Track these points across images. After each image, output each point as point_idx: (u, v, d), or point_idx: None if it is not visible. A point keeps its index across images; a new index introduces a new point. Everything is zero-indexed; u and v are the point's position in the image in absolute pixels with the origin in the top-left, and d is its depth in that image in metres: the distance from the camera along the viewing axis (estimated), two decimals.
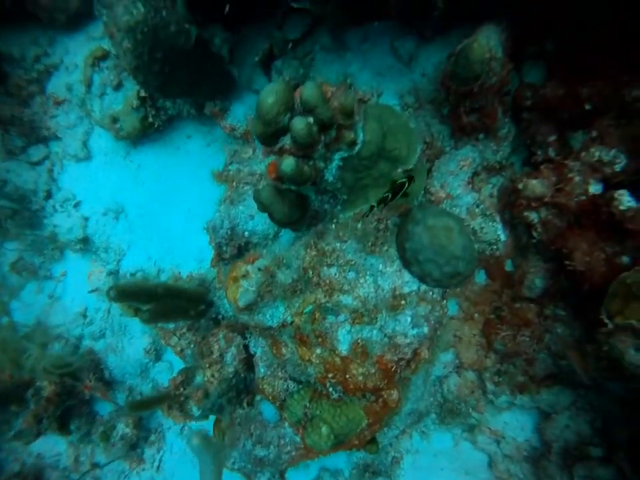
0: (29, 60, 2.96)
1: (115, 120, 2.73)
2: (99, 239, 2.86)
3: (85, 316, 2.92)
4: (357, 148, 1.58)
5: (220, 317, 2.36)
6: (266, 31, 2.40)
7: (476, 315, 2.11)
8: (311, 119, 1.35)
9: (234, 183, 2.10)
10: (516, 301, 2.01)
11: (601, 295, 1.52)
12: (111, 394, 2.72)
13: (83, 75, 2.78)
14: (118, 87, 2.76)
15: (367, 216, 1.62)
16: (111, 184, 2.91)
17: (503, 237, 1.70)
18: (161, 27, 1.99)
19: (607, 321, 1.45)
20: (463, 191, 1.87)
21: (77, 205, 2.94)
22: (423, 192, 1.88)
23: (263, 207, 1.65)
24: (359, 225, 1.75)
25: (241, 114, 2.57)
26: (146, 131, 2.79)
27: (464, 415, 2.22)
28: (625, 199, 1.40)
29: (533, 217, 1.71)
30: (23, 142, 2.97)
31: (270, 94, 1.29)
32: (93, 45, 3.01)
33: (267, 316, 1.78)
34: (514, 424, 2.13)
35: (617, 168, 1.53)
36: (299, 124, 1.31)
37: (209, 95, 2.47)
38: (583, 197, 1.55)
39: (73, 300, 2.95)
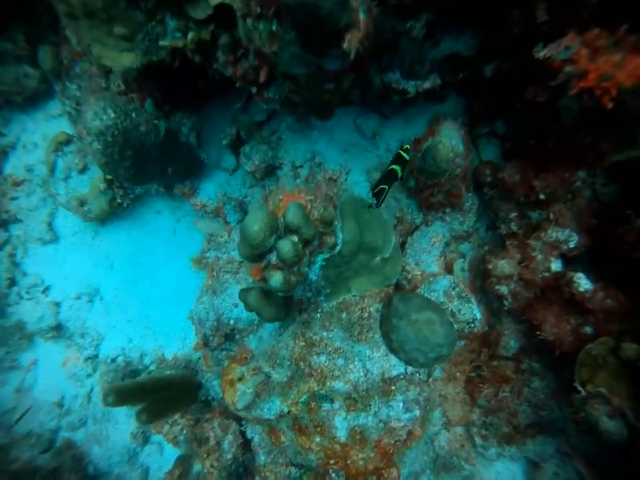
0: None
1: (82, 203, 2.69)
2: (74, 325, 2.77)
3: (60, 405, 2.79)
4: (337, 248, 1.66)
5: (210, 398, 2.36)
6: (231, 112, 2.46)
7: (457, 374, 2.23)
8: (295, 238, 1.42)
9: (214, 272, 2.13)
10: (493, 359, 2.14)
11: (572, 357, 1.67)
12: None
13: (45, 159, 2.72)
14: (83, 170, 2.72)
15: (383, 201, 1.66)
16: (81, 266, 2.84)
17: (478, 316, 1.83)
18: (131, 129, 2.01)
19: (580, 388, 1.59)
20: (436, 268, 2.00)
21: (45, 290, 2.84)
22: (400, 271, 1.98)
23: (250, 309, 1.70)
24: (344, 315, 1.83)
25: (211, 191, 2.61)
26: (114, 211, 2.76)
27: (457, 467, 2.31)
28: (582, 282, 1.57)
29: (503, 289, 1.86)
30: None
31: (255, 221, 1.35)
32: (51, 123, 2.99)
33: (265, 410, 1.81)
34: (505, 474, 2.25)
35: (572, 244, 1.70)
36: (286, 246, 1.38)
37: (178, 178, 2.49)
38: (547, 274, 1.71)
39: (45, 390, 2.82)
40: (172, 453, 2.59)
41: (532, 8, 1.38)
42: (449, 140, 1.71)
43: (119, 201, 2.70)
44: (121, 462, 2.68)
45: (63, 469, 2.47)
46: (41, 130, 2.98)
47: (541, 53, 1.21)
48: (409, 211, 2.19)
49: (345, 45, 1.02)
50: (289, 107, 1.69)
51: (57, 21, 2.48)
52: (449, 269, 2.07)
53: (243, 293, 1.69)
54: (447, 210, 2.09)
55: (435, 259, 2.05)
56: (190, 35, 1.46)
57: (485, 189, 2.03)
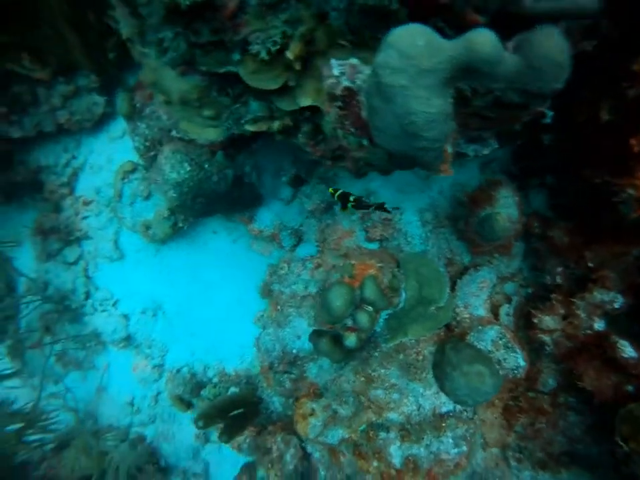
0: (60, 166, 3.14)
1: (147, 227, 2.92)
2: (141, 336, 3.08)
3: (132, 405, 3.14)
4: (400, 305, 1.85)
5: (269, 411, 2.64)
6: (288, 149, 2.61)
7: (496, 401, 2.43)
8: (370, 309, 1.61)
9: (278, 306, 2.35)
10: (530, 391, 2.33)
11: (611, 407, 1.83)
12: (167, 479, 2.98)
13: (114, 186, 2.95)
14: (147, 197, 2.94)
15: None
16: (145, 282, 3.11)
17: (522, 364, 2.01)
18: (204, 179, 2.20)
19: (621, 443, 1.76)
20: (483, 311, 2.17)
21: (115, 304, 3.14)
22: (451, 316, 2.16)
23: (319, 353, 1.92)
24: (401, 356, 2.04)
25: (267, 219, 2.80)
26: (175, 233, 2.99)
27: None
28: (627, 350, 1.72)
29: (546, 338, 2.02)
30: (59, 245, 3.13)
31: (337, 297, 1.55)
32: (114, 145, 3.20)
33: (329, 437, 2.07)
34: None
35: (616, 305, 1.84)
36: (364, 318, 1.58)
37: (239, 211, 2.69)
38: (589, 331, 1.86)
39: (119, 390, 3.17)
40: (229, 451, 2.91)
41: (596, 106, 1.48)
42: (506, 210, 1.84)
43: (180, 225, 2.92)
44: (186, 458, 3.03)
45: (144, 460, 2.83)
46: (105, 152, 3.20)
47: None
48: (458, 252, 2.35)
49: (441, 170, 1.16)
50: (357, 171, 1.84)
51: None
52: (494, 312, 2.24)
53: (314, 338, 1.91)
54: (495, 255, 2.24)
55: (482, 302, 2.21)
56: (276, 124, 1.61)
57: (533, 239, 2.17)
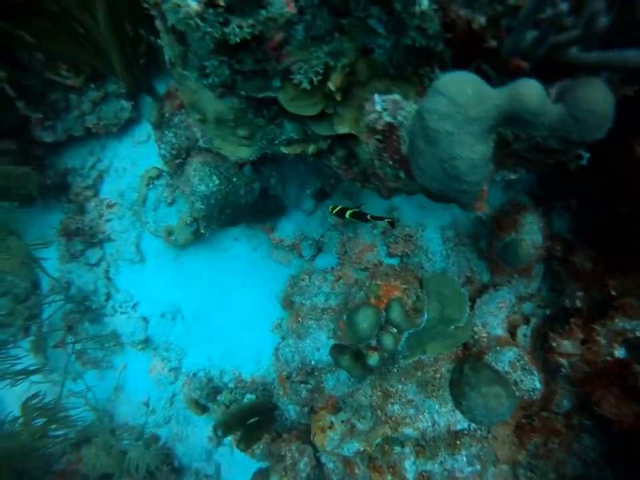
0: (87, 168, 3.20)
1: (169, 233, 2.97)
2: (159, 339, 3.14)
3: (147, 405, 3.21)
4: (422, 325, 1.89)
5: (284, 418, 2.69)
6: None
7: (509, 419, 2.46)
8: (395, 330, 1.65)
9: (299, 318, 2.39)
10: (544, 411, 2.36)
11: (632, 434, 1.85)
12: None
13: (138, 192, 3.01)
14: (171, 203, 2.99)
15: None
16: (164, 286, 3.17)
17: (539, 386, 2.04)
18: (232, 193, 2.25)
19: None
20: (501, 331, 2.20)
21: (135, 306, 3.20)
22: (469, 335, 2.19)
23: (339, 367, 1.97)
24: (419, 373, 2.07)
25: (289, 229, 2.84)
26: (196, 239, 3.04)
27: None
28: None
29: (563, 362, 2.05)
30: (83, 246, 3.20)
31: (365, 320, 1.59)
32: (138, 149, 3.26)
33: (344, 449, 2.11)
34: None
35: (638, 334, 1.86)
36: (388, 340, 1.61)
37: (262, 221, 2.73)
38: (609, 358, 1.89)
39: (135, 390, 3.24)
40: (241, 454, 2.97)
41: (631, 140, 1.50)
42: (531, 236, 1.87)
43: (202, 231, 2.98)
44: (199, 459, 3.10)
45: (159, 460, 2.90)
46: (130, 156, 3.26)
47: None
48: (478, 270, 2.37)
49: (477, 208, 1.20)
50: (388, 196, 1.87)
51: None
52: (512, 332, 2.27)
53: (335, 353, 1.96)
54: (515, 276, 2.26)
55: (500, 321, 2.24)
56: (311, 148, 1.65)
57: (554, 261, 2.19)
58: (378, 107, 1.20)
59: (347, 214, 1.92)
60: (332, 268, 2.62)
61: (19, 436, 2.61)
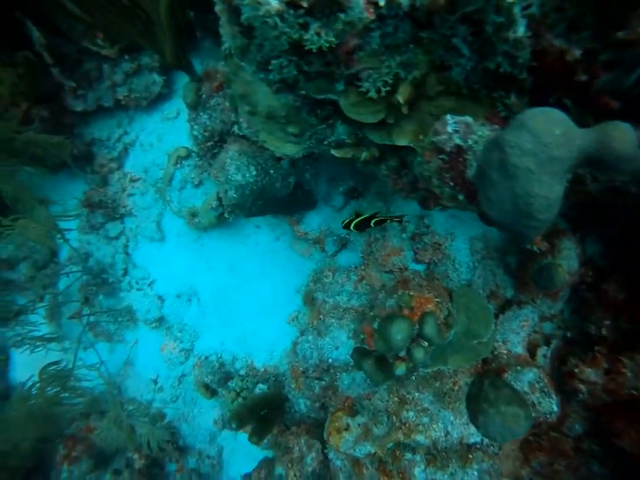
0: (113, 140, 3.17)
1: (193, 215, 2.96)
2: (173, 319, 3.16)
3: (156, 382, 3.25)
4: (449, 339, 1.89)
5: (293, 410, 2.73)
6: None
7: None
8: (426, 344, 1.65)
9: (320, 315, 2.40)
10: (554, 431, 2.38)
11: None
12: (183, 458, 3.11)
13: (165, 170, 2.98)
14: (198, 185, 2.97)
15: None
16: (183, 267, 3.17)
17: (556, 409, 2.06)
18: (268, 185, 2.22)
19: None
20: (521, 349, 2.21)
21: (151, 284, 3.21)
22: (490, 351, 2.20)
23: (360, 370, 1.98)
24: (437, 384, 2.09)
25: (315, 223, 2.82)
26: (220, 223, 3.02)
27: None
28: None
29: (582, 387, 2.06)
30: (104, 219, 3.19)
31: (399, 332, 1.59)
32: (166, 125, 3.21)
33: (356, 450, 2.14)
34: None
35: None
36: (419, 354, 1.62)
37: (291, 214, 2.71)
38: (634, 392, 1.89)
39: (145, 366, 3.27)
40: (244, 440, 3.01)
41: None
42: (567, 262, 1.86)
43: (226, 215, 2.96)
44: (202, 440, 3.15)
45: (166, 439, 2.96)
46: (157, 131, 3.22)
47: None
48: (502, 285, 2.36)
49: (535, 243, 1.18)
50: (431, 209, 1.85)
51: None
52: (531, 351, 2.28)
53: (357, 356, 1.97)
54: (540, 296, 2.26)
55: (521, 340, 2.25)
56: (364, 154, 1.62)
57: (583, 287, 2.18)
58: (449, 129, 1.18)
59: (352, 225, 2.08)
60: (355, 267, 2.61)
61: (37, 398, 2.66)
